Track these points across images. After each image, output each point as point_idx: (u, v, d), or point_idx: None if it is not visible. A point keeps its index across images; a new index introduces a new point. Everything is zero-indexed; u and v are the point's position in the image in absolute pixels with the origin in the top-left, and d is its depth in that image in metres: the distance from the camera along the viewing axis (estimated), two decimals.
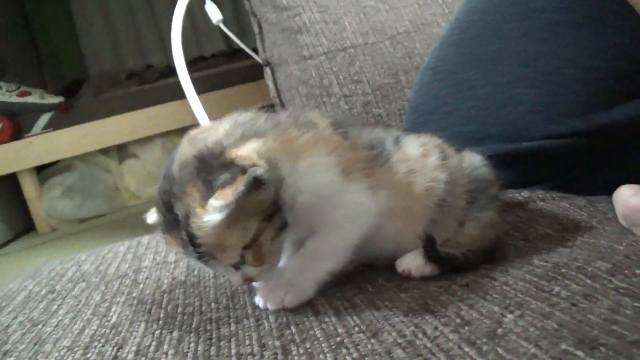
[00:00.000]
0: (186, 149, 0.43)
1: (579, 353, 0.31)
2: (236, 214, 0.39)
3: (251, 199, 0.40)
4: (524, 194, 0.64)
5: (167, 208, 0.41)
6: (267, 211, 0.42)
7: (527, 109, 0.62)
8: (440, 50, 0.78)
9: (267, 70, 1.08)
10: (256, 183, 0.40)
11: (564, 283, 0.41)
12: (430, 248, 0.48)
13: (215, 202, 0.38)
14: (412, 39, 1.01)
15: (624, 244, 0.45)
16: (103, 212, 2.24)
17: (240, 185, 0.38)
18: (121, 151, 2.31)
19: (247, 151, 0.41)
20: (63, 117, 2.14)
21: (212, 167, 0.40)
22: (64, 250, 1.91)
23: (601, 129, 0.58)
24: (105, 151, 2.27)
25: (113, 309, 0.51)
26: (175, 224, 0.41)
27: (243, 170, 0.39)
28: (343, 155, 0.47)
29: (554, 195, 0.62)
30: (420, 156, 0.51)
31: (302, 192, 0.45)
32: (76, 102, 2.26)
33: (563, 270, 0.43)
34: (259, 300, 0.47)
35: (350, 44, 0.99)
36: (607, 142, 0.59)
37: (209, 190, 0.39)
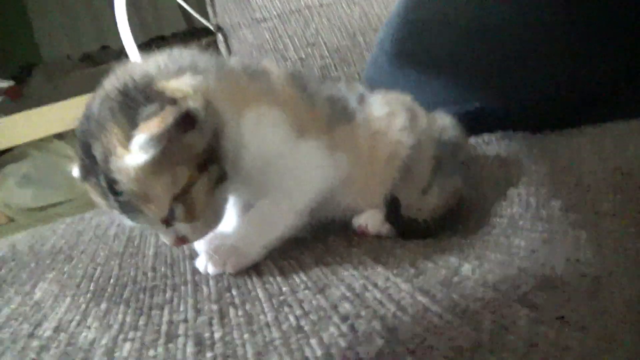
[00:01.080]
0: (110, 82, 0.37)
1: (540, 294, 0.28)
2: (164, 157, 0.34)
3: (183, 140, 0.34)
4: (471, 140, 0.62)
5: (85, 150, 0.36)
6: (201, 158, 0.36)
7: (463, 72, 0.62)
8: (386, 26, 0.76)
9: (220, 37, 1.03)
10: (189, 120, 0.34)
11: (522, 234, 0.38)
12: (393, 211, 0.44)
13: (139, 137, 0.33)
14: (370, 0, 0.96)
15: (564, 160, 0.45)
16: (63, 199, 2.14)
17: (169, 117, 0.33)
18: None
19: (181, 84, 0.35)
20: (14, 103, 2.02)
21: (137, 102, 0.34)
22: None
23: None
24: (61, 136, 2.16)
25: (39, 286, 0.45)
26: (93, 168, 0.35)
27: (173, 101, 0.34)
28: (296, 110, 0.42)
29: (497, 137, 0.60)
30: (385, 116, 0.46)
31: (247, 147, 0.40)
32: (28, 86, 2.14)
33: (520, 222, 0.40)
34: (199, 264, 0.42)
35: (305, 5, 0.94)
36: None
37: (133, 127, 0.33)
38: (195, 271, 0.43)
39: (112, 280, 0.44)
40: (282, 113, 0.41)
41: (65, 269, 0.49)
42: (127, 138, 0.33)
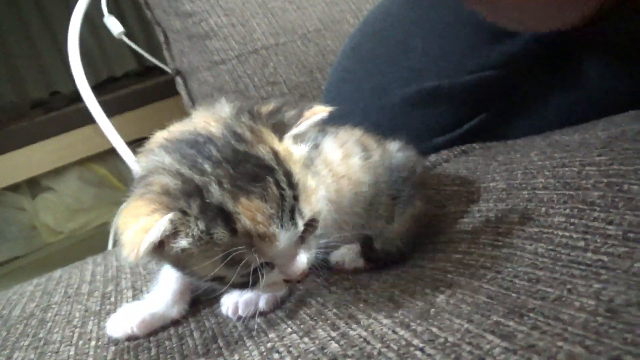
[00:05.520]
0: (218, 114, 0.38)
1: (510, 323, 0.30)
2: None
3: None
4: (431, 158, 0.66)
5: (239, 161, 0.34)
6: None
7: (419, 53, 0.67)
8: (350, 39, 0.83)
9: (179, 80, 1.04)
10: None
11: (485, 251, 0.41)
12: (367, 249, 0.46)
13: (301, 128, 0.37)
14: (324, 37, 1.00)
15: (519, 175, 0.48)
16: (19, 254, 2.05)
17: (322, 111, 0.38)
18: (33, 186, 2.14)
19: None
20: None
21: (260, 115, 0.38)
22: None
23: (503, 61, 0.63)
24: (15, 188, 2.08)
25: (15, 356, 0.44)
26: (257, 175, 0.34)
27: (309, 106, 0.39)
28: None
29: (455, 153, 0.65)
30: (342, 159, 0.48)
31: None
32: None
33: (482, 238, 0.43)
34: (226, 310, 0.42)
35: (262, 45, 0.97)
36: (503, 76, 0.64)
37: (278, 129, 0.37)
38: (177, 324, 0.44)
39: (92, 343, 0.44)
40: None
41: (40, 335, 0.48)
42: (279, 137, 0.37)
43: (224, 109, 0.39)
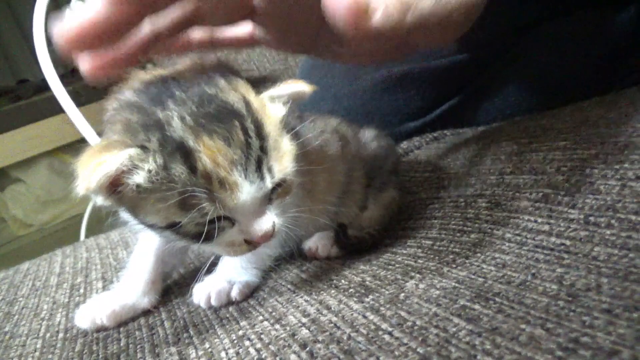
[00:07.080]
0: (190, 70, 0.36)
1: (476, 307, 0.30)
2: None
3: None
4: (403, 145, 0.67)
5: (204, 101, 0.33)
6: None
7: None
8: None
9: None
10: None
11: (454, 238, 0.42)
12: (342, 237, 0.46)
13: (274, 90, 0.36)
14: None
15: (488, 161, 0.49)
16: None
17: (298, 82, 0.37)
18: (1, 177, 2.08)
19: None
20: None
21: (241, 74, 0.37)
22: None
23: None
24: None
25: None
26: (222, 117, 0.32)
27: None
28: None
29: (427, 139, 0.66)
30: (319, 147, 0.47)
31: None
32: None
33: (452, 224, 0.44)
34: (198, 300, 0.42)
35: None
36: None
37: (256, 85, 0.36)
38: (148, 314, 0.43)
39: (60, 335, 0.43)
40: None
41: (6, 328, 0.47)
42: (255, 92, 0.35)
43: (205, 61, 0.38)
